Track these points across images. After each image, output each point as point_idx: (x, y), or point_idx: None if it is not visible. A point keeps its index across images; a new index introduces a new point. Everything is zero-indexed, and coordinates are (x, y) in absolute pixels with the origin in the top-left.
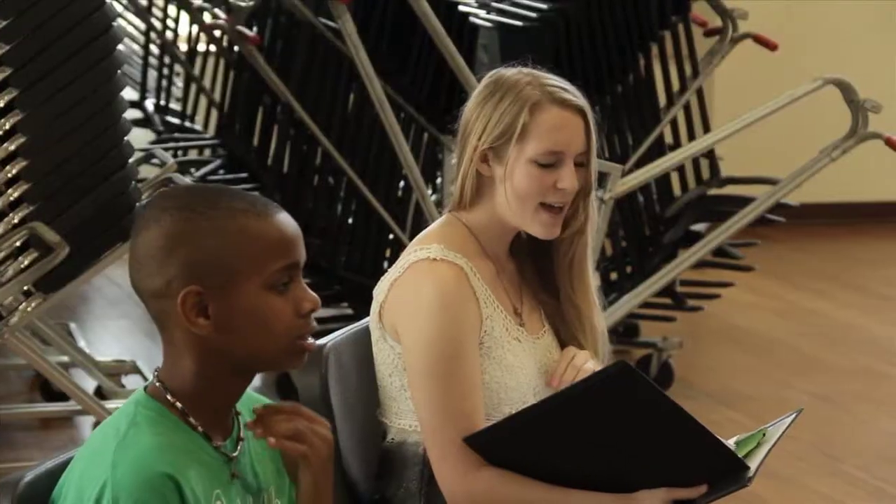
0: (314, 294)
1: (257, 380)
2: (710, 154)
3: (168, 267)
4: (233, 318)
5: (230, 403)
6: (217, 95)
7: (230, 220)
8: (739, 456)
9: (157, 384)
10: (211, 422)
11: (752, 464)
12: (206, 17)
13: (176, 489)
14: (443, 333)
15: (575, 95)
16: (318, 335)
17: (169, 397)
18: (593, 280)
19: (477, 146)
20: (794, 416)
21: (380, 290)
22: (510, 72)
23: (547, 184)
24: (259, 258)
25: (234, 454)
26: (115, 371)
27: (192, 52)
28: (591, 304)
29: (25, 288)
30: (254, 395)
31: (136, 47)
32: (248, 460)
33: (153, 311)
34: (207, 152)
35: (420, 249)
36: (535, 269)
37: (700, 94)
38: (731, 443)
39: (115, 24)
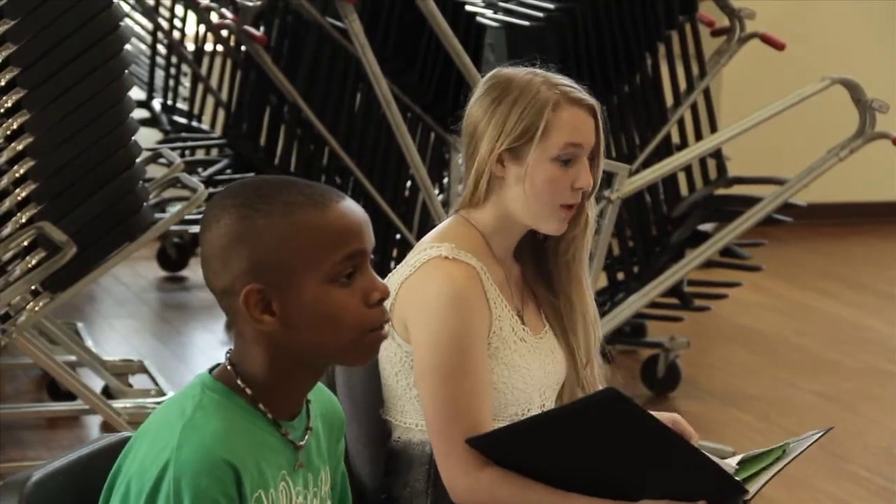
0: (383, 282)
1: None
2: (717, 154)
3: (230, 266)
4: (297, 313)
5: (300, 394)
6: (224, 95)
7: (285, 216)
8: (750, 472)
9: (229, 367)
10: (279, 410)
11: (760, 481)
12: (214, 17)
13: (235, 478)
14: (453, 331)
15: (586, 94)
16: None
17: (239, 382)
18: (588, 274)
19: (494, 148)
20: (820, 434)
21: (388, 287)
22: (518, 73)
23: (565, 184)
24: (316, 252)
25: (302, 443)
26: (123, 371)
27: (200, 51)
28: (583, 295)
29: (33, 287)
30: (326, 390)
31: (143, 47)
32: (314, 444)
33: (223, 307)
34: (214, 152)
35: (432, 247)
36: (536, 268)
37: (707, 93)
38: (732, 463)
39: (122, 23)
